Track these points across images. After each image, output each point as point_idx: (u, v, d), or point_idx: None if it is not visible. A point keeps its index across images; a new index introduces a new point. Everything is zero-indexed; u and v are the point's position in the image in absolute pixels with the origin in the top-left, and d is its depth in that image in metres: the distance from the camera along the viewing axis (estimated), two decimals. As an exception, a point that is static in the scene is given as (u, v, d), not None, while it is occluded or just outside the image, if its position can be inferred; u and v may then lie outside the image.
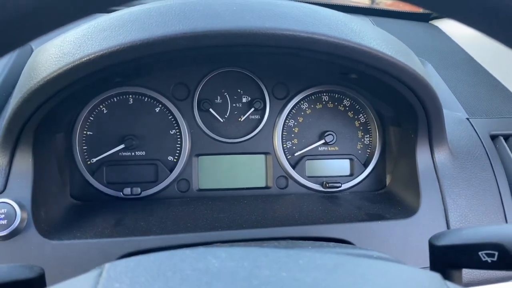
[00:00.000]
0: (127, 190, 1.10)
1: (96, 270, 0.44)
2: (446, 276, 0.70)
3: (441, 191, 0.99)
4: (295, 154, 1.19)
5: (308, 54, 0.81)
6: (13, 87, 1.08)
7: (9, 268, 0.60)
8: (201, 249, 0.48)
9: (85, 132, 1.11)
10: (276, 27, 0.74)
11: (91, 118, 1.11)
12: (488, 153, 1.06)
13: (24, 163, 0.89)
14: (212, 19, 0.73)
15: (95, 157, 1.11)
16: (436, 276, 0.46)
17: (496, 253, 0.61)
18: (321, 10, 0.82)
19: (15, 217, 0.83)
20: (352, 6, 1.71)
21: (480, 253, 0.63)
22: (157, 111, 1.14)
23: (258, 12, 0.76)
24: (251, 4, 0.77)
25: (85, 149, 1.11)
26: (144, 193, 1.12)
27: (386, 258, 0.63)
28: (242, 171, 1.17)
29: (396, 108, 1.07)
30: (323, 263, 0.46)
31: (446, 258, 0.68)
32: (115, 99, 1.12)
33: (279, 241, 0.81)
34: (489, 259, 0.62)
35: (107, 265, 0.44)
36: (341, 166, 1.20)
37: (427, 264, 0.69)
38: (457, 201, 0.99)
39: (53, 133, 1.00)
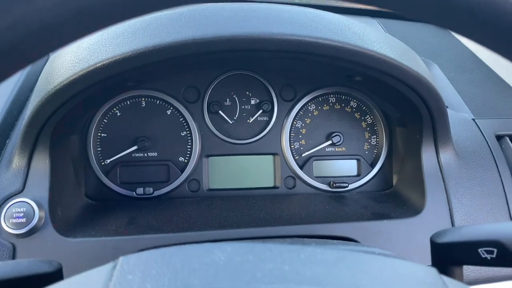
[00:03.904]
0: (140, 190, 1.14)
1: (111, 263, 0.47)
2: (448, 272, 0.72)
3: (446, 190, 1.01)
4: (303, 155, 1.21)
5: (313, 58, 0.83)
6: (31, 91, 1.13)
7: (29, 263, 0.64)
8: (208, 244, 0.50)
9: (99, 134, 1.14)
10: (282, 33, 0.77)
11: (105, 120, 1.15)
12: (494, 153, 1.07)
13: (41, 164, 0.93)
14: (221, 25, 0.76)
15: (109, 158, 1.15)
16: (432, 271, 0.49)
17: (495, 250, 0.63)
18: (325, 15, 0.85)
19: (34, 216, 0.88)
20: (361, 9, 1.72)
21: (479, 250, 0.65)
22: (169, 113, 1.17)
23: (265, 18, 0.79)
24: (257, 10, 0.80)
25: (99, 150, 1.15)
26: (156, 193, 1.15)
27: (387, 255, 0.65)
28: (251, 172, 1.20)
29: (401, 109, 1.09)
30: (323, 258, 0.48)
31: (447, 255, 0.70)
32: (128, 102, 1.16)
33: (284, 239, 0.83)
34: (488, 256, 0.64)
35: (121, 259, 0.47)
36: (348, 167, 1.22)
37: None
38: (462, 200, 1.00)
39: (69, 135, 1.04)
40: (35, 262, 0.64)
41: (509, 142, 1.11)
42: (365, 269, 0.46)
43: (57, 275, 0.65)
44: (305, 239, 0.84)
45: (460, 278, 0.71)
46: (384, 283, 0.44)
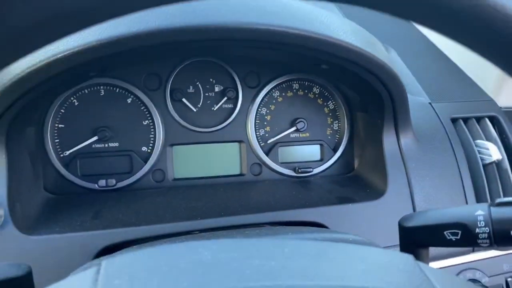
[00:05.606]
0: (102, 182, 1.10)
1: (93, 267, 0.46)
2: (415, 254, 0.76)
3: (406, 173, 1.05)
4: (268, 141, 1.22)
5: (281, 47, 0.83)
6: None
7: None
8: (191, 243, 0.50)
9: (56, 125, 1.09)
10: (250, 22, 0.76)
11: (62, 110, 1.10)
12: (449, 136, 1.12)
13: None
14: (189, 14, 0.75)
15: (68, 150, 1.10)
16: (409, 258, 0.51)
17: (460, 232, 0.67)
18: (293, 3, 0.84)
19: (-8, 215, 0.83)
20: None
21: (445, 232, 0.69)
22: (129, 102, 1.14)
23: (234, 8, 0.78)
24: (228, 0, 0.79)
25: (57, 142, 1.10)
26: (119, 184, 1.12)
27: (361, 241, 0.67)
28: (217, 159, 1.19)
29: (364, 96, 1.12)
30: (307, 250, 0.49)
31: (415, 238, 0.74)
32: (86, 90, 1.11)
33: (259, 229, 0.84)
34: (453, 238, 0.68)
35: (104, 262, 0.46)
36: (312, 152, 1.24)
37: (396, 242, 0.74)
38: (422, 183, 1.05)
39: (24, 128, 0.98)
40: (2, 267, 0.61)
41: (463, 124, 1.17)
42: (348, 260, 0.48)
43: (28, 278, 0.62)
44: (280, 228, 0.85)
45: (426, 258, 0.76)
46: (367, 273, 0.46)
